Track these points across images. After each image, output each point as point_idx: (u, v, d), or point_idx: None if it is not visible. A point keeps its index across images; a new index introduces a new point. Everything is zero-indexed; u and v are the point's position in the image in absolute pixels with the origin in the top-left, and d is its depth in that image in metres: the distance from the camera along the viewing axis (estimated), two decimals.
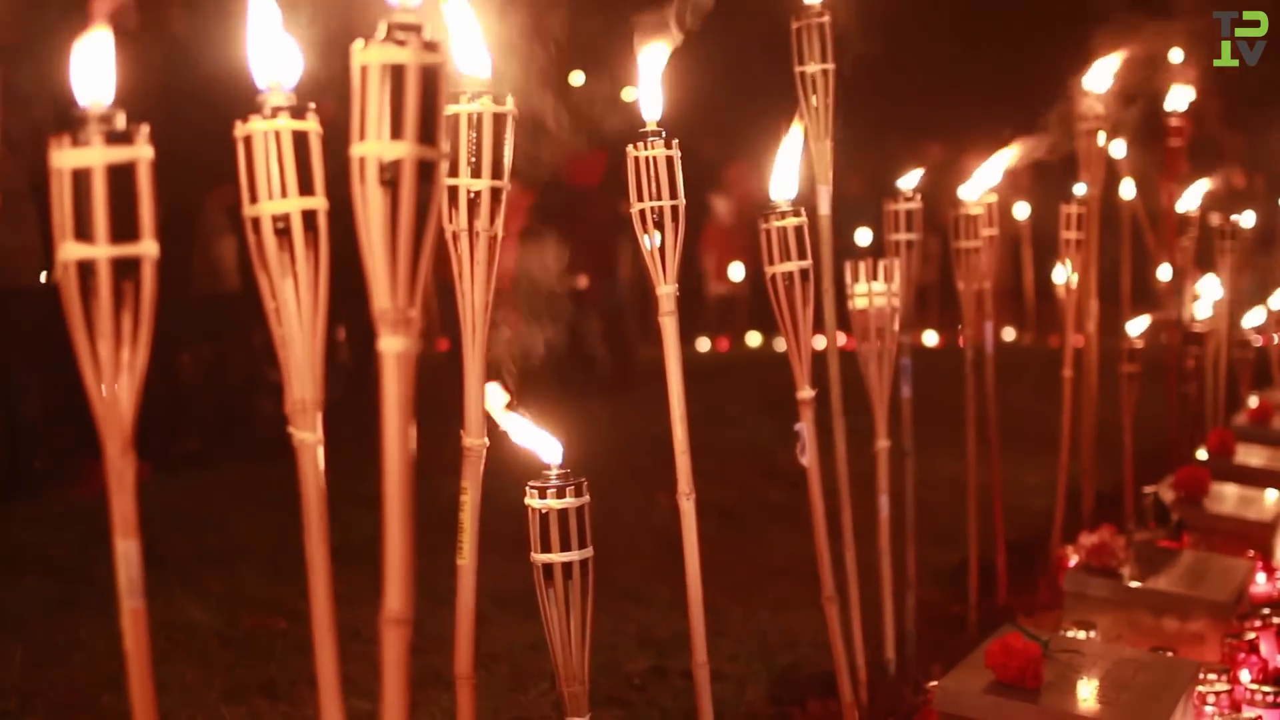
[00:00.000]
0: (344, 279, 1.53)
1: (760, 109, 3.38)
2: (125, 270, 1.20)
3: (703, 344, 11.52)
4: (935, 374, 4.39)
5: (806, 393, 2.39)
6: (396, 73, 1.15)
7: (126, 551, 1.24)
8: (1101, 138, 4.01)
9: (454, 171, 1.81)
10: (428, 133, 1.16)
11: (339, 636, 1.41)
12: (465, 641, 1.92)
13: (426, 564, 1.24)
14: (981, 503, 3.52)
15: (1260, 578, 3.48)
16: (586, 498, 1.88)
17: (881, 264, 2.90)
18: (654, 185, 2.11)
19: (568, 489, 1.86)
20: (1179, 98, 5.00)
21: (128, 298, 1.21)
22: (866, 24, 2.94)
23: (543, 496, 1.86)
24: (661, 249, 2.13)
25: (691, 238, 6.95)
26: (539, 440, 1.88)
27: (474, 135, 1.80)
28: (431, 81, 1.16)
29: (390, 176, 1.15)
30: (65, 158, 1.19)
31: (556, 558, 1.86)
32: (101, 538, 1.28)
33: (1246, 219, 5.77)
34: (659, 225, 2.12)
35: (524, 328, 2.25)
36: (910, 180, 3.20)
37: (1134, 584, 3.14)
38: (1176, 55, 5.02)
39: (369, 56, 1.16)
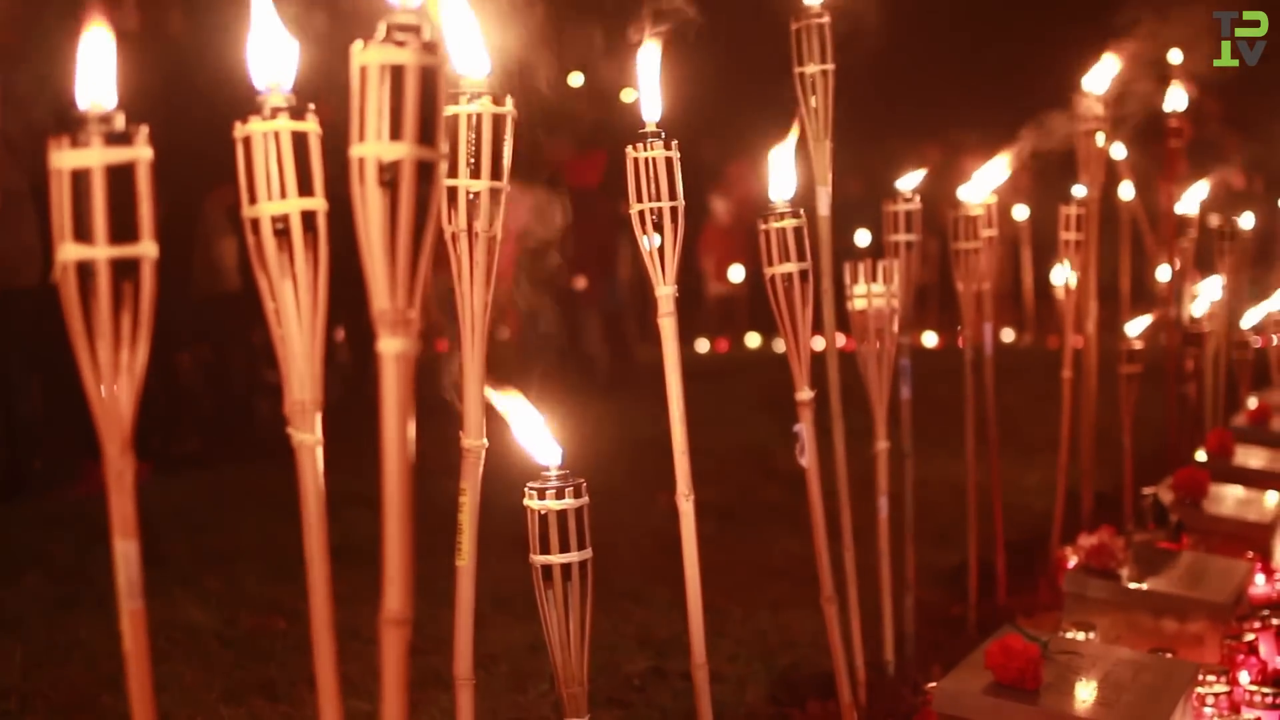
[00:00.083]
0: (343, 280, 1.53)
1: (760, 110, 3.38)
2: (124, 271, 1.20)
3: (702, 345, 11.54)
4: (935, 375, 4.39)
5: (806, 394, 2.39)
6: (396, 73, 1.15)
7: (126, 552, 1.24)
8: (1101, 139, 4.00)
9: (453, 172, 1.81)
10: (427, 133, 1.16)
11: (338, 637, 1.41)
12: (464, 642, 1.92)
13: (426, 565, 1.24)
14: (981, 504, 3.52)
15: (1259, 579, 3.48)
16: (585, 499, 1.87)
17: (881, 265, 2.90)
18: (653, 186, 2.11)
19: (567, 490, 1.85)
20: (1178, 98, 5.00)
21: (127, 298, 1.21)
22: (866, 24, 2.94)
23: (542, 498, 1.86)
24: (661, 250, 2.13)
25: (691, 239, 6.95)
26: (540, 432, 1.88)
27: (473, 136, 1.80)
28: (431, 82, 1.16)
29: (390, 177, 1.15)
30: (64, 158, 1.19)
31: (556, 559, 1.86)
32: (101, 538, 1.28)
33: (1246, 220, 5.78)
34: (658, 226, 2.12)
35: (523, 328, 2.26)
36: (909, 181, 3.20)
37: (1133, 585, 3.14)
38: (1176, 56, 5.02)
39: (368, 57, 1.16)
